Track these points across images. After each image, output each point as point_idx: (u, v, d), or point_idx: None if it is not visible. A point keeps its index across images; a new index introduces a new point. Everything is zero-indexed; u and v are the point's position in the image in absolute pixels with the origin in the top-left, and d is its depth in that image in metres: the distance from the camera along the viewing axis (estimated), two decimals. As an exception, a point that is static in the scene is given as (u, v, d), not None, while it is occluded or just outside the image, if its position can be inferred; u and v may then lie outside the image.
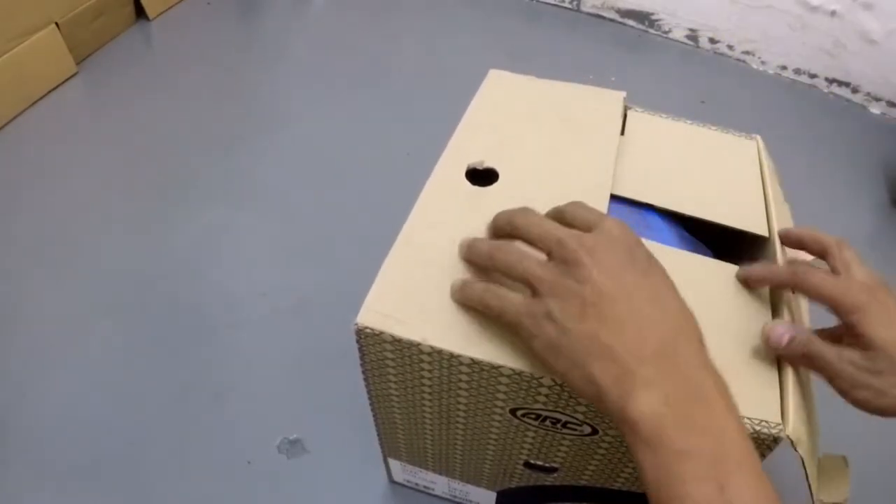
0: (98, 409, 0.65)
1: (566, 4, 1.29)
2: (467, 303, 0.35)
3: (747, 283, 0.39)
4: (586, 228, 0.32)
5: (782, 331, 0.35)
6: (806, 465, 0.32)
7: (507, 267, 0.32)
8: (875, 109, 1.13)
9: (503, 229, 0.35)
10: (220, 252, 0.81)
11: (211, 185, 0.89)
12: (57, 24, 0.98)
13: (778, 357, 0.35)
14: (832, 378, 0.33)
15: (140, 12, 1.17)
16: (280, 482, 0.61)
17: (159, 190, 0.88)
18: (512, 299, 0.32)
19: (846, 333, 0.34)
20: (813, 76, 1.15)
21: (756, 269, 0.38)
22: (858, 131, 1.08)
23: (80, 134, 0.97)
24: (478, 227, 0.38)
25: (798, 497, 0.33)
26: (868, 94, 1.12)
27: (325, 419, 0.65)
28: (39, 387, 0.67)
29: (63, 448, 0.62)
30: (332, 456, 0.63)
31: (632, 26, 1.26)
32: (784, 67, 1.17)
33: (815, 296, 0.35)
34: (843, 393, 0.33)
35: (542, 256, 0.32)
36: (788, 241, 0.41)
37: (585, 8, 1.28)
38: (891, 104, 1.11)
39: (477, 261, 0.36)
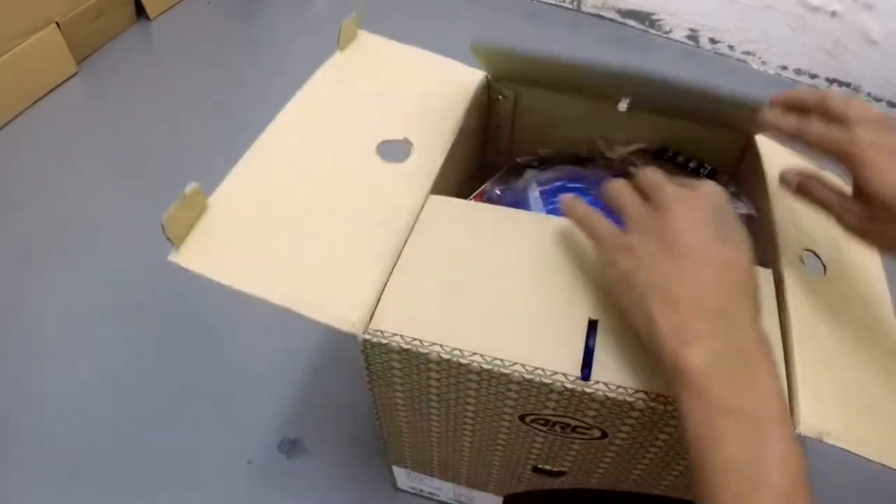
0: (99, 409, 0.65)
1: (566, 4, 1.28)
2: (569, 214, 0.37)
3: (759, 128, 0.41)
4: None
5: (795, 172, 0.37)
6: (863, 452, 0.31)
7: (610, 198, 0.35)
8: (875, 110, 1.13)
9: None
10: (221, 253, 0.80)
11: (211, 184, 0.88)
12: (57, 23, 0.98)
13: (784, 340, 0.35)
14: (838, 221, 0.35)
15: (140, 12, 1.16)
16: (280, 482, 0.61)
17: (160, 190, 0.87)
18: (604, 225, 0.35)
19: (854, 182, 0.34)
20: (813, 76, 1.15)
21: (767, 114, 0.38)
22: (859, 132, 1.08)
23: (80, 134, 0.96)
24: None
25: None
26: (868, 94, 1.12)
27: (326, 419, 0.65)
28: (39, 387, 0.67)
29: (63, 447, 0.62)
30: (333, 455, 0.63)
31: (632, 26, 1.26)
32: (784, 68, 1.17)
33: (819, 148, 0.35)
34: (849, 232, 0.35)
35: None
36: (779, 104, 0.38)
37: (586, 8, 1.27)
38: (891, 104, 1.11)
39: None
